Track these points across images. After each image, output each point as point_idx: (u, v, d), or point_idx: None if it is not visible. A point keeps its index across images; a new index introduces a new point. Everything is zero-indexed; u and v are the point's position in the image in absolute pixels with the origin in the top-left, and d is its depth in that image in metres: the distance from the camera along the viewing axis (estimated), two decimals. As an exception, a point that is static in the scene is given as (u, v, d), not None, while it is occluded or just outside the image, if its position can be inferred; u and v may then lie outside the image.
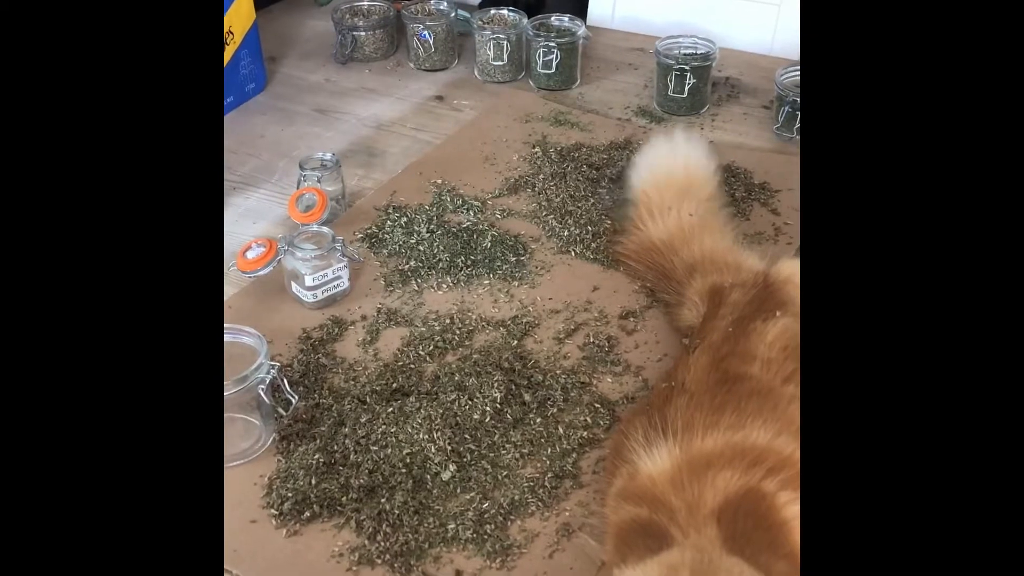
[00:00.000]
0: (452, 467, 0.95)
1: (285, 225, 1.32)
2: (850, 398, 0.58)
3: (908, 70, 0.60)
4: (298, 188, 1.31)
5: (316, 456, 0.96)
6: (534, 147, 1.46)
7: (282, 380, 1.00)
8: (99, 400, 0.56)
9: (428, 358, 1.09)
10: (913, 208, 0.59)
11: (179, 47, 0.62)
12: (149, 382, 0.58)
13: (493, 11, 1.71)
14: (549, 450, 0.98)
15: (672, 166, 1.22)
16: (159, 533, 0.56)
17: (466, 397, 1.02)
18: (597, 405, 1.02)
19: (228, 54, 1.56)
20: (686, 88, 1.53)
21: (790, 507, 0.77)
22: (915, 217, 0.59)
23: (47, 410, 0.56)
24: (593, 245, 1.26)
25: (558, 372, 1.07)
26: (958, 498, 0.54)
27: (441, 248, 1.25)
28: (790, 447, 0.82)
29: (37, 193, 0.58)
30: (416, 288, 1.20)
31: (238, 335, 1.01)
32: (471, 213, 1.32)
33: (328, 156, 1.33)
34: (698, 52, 1.56)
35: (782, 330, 0.95)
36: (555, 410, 1.02)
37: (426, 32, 1.70)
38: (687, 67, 1.52)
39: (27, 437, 0.55)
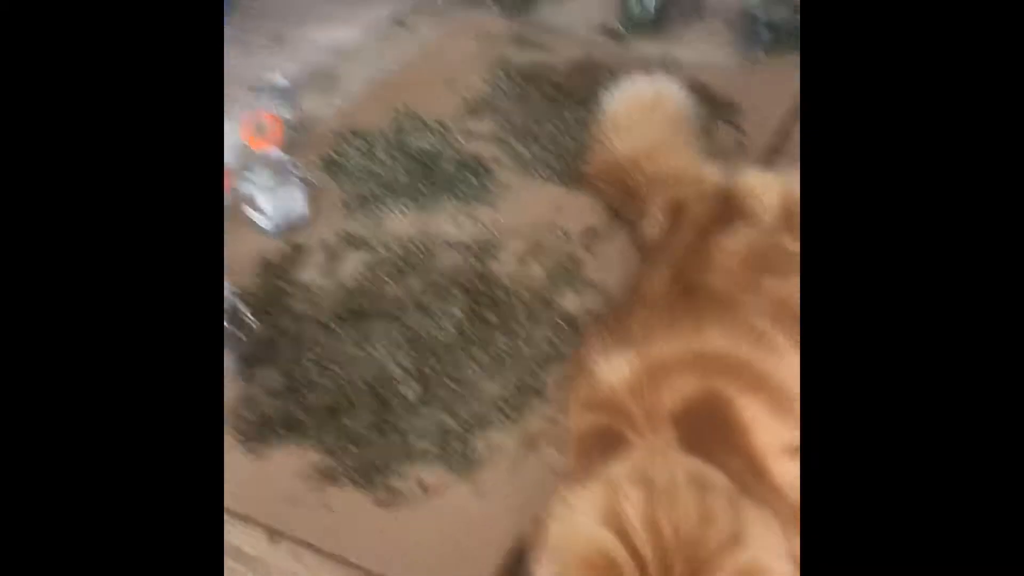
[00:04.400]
0: (416, 385, 0.95)
1: (241, 152, 1.29)
2: (849, 332, 0.53)
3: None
4: (253, 115, 1.28)
5: (278, 379, 0.95)
6: (496, 69, 1.44)
7: (240, 304, 0.98)
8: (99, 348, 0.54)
9: (389, 280, 1.08)
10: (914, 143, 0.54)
11: None
12: (148, 324, 0.55)
13: (451, -69, 1.66)
14: (513, 367, 0.98)
15: (643, 88, 1.23)
16: (159, 476, 0.54)
17: (429, 318, 1.01)
18: (560, 322, 1.02)
19: (178, -21, 1.51)
20: (650, 6, 1.50)
21: (748, 410, 0.77)
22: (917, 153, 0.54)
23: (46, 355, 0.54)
24: (556, 166, 1.25)
25: (521, 291, 1.06)
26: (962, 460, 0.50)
27: (402, 172, 1.23)
28: (749, 353, 0.82)
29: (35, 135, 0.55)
30: (376, 212, 1.19)
31: (195, 261, 1.00)
32: (432, 137, 1.30)
33: (284, 82, 1.30)
34: (661, -31, 1.53)
35: (742, 241, 0.95)
36: (518, 328, 1.02)
37: (383, -46, 1.65)
38: (650, -16, 1.49)
39: (28, 388, 0.53)
